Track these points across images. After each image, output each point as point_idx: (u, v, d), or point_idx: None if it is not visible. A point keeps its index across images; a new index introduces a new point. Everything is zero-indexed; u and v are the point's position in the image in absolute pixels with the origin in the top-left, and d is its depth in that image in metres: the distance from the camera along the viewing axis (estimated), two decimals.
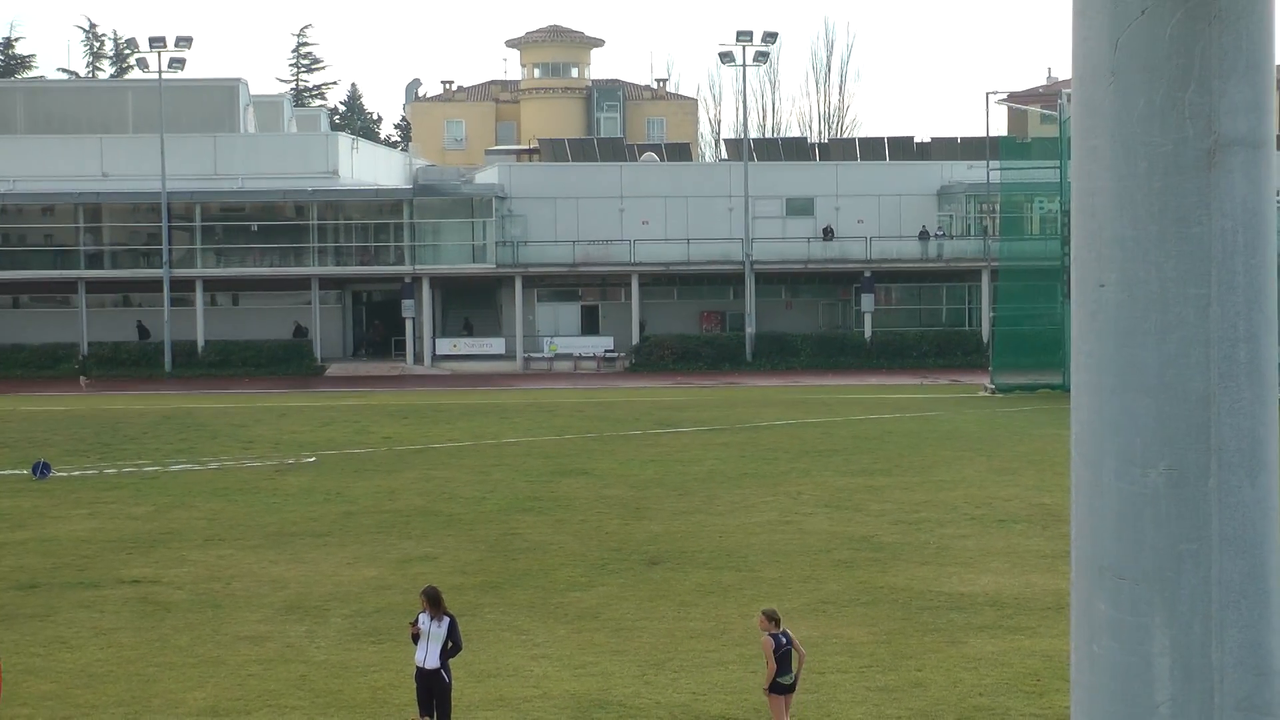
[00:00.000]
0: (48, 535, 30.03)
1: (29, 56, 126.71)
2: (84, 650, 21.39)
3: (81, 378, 65.08)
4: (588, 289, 76.05)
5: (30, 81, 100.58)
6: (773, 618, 17.27)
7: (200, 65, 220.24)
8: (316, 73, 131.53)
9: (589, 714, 18.35)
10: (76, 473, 38.62)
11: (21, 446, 43.77)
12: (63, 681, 19.87)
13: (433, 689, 17.00)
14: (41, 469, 37.73)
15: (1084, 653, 3.41)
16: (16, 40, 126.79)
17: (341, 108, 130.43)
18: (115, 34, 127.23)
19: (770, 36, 73.55)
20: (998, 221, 69.61)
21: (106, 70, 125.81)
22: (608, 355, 72.45)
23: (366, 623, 22.78)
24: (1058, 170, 58.82)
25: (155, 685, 19.65)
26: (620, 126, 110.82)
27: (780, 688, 16.95)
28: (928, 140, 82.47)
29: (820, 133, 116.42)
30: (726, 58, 73.77)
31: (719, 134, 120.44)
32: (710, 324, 75.64)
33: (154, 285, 71.26)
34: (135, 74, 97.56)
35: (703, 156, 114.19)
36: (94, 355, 70.63)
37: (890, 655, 20.63)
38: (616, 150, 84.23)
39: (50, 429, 48.30)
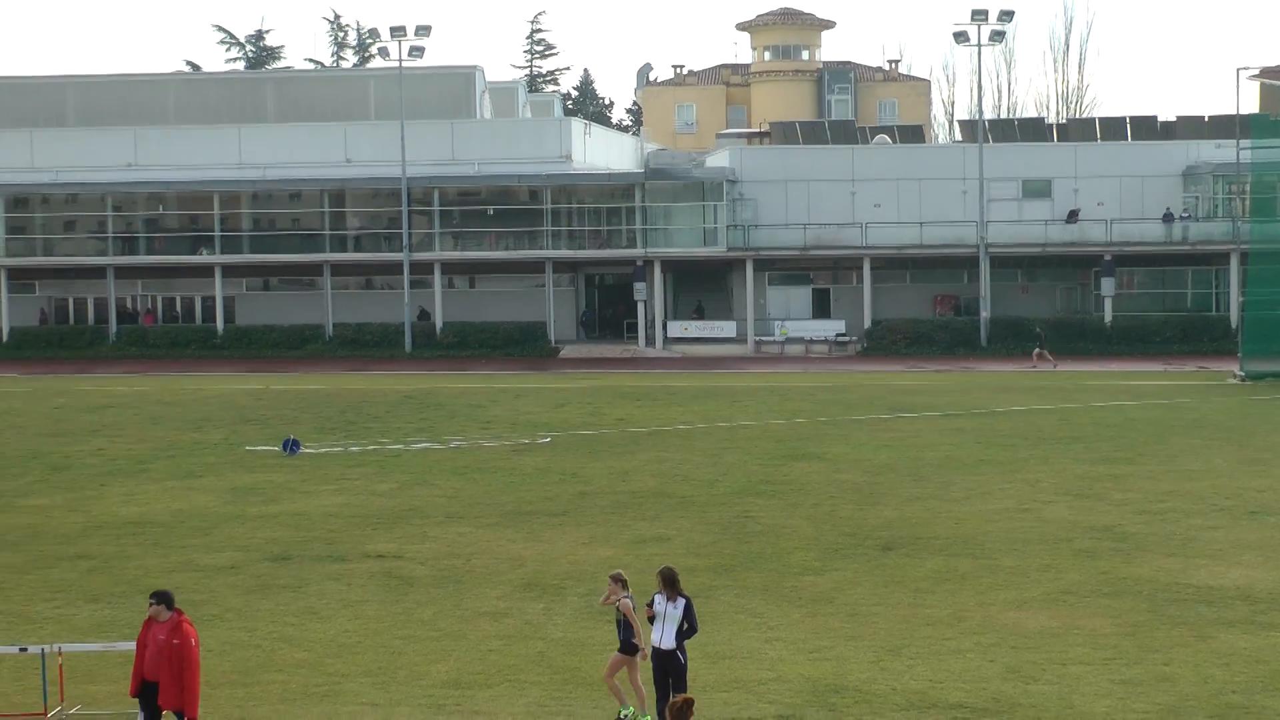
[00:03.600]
0: (298, 510, 31.01)
1: (278, 48, 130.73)
2: (333, 621, 22.04)
3: None
4: (819, 272, 75.66)
5: (279, 72, 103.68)
6: (621, 581, 17.76)
7: (438, 53, 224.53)
8: (550, 59, 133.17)
9: (824, 698, 18.31)
10: (324, 449, 39.75)
11: (273, 424, 45.22)
12: (315, 650, 20.51)
13: (668, 669, 17.12)
14: (291, 445, 38.96)
15: None
16: (267, 33, 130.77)
17: (574, 93, 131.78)
18: (358, 24, 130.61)
19: (1006, 15, 72.25)
20: (1248, 203, 67.36)
21: (350, 60, 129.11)
22: (839, 339, 72.07)
23: None
24: None
25: (401, 657, 20.17)
26: (852, 109, 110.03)
27: (636, 649, 17.58)
28: (1172, 119, 80.00)
29: (1058, 113, 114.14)
30: (961, 37, 72.70)
31: (953, 115, 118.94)
32: (944, 308, 74.70)
33: (394, 268, 73.01)
34: (377, 63, 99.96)
35: (936, 138, 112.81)
36: (338, 336, 72.62)
37: (1135, 648, 20.18)
38: (848, 133, 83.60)
39: (299, 407, 49.78)
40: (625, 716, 17.67)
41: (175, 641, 15.71)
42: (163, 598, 15.98)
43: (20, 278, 75.61)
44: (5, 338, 73.80)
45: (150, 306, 76.37)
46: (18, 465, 37.50)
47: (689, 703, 13.03)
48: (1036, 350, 65.03)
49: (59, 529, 29.18)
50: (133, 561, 26.19)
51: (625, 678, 17.87)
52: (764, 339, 72.32)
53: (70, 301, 76.90)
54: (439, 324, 72.58)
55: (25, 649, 18.92)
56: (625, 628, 17.64)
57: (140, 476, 35.55)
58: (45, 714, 17.54)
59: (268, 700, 18.44)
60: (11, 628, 21.71)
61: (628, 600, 17.68)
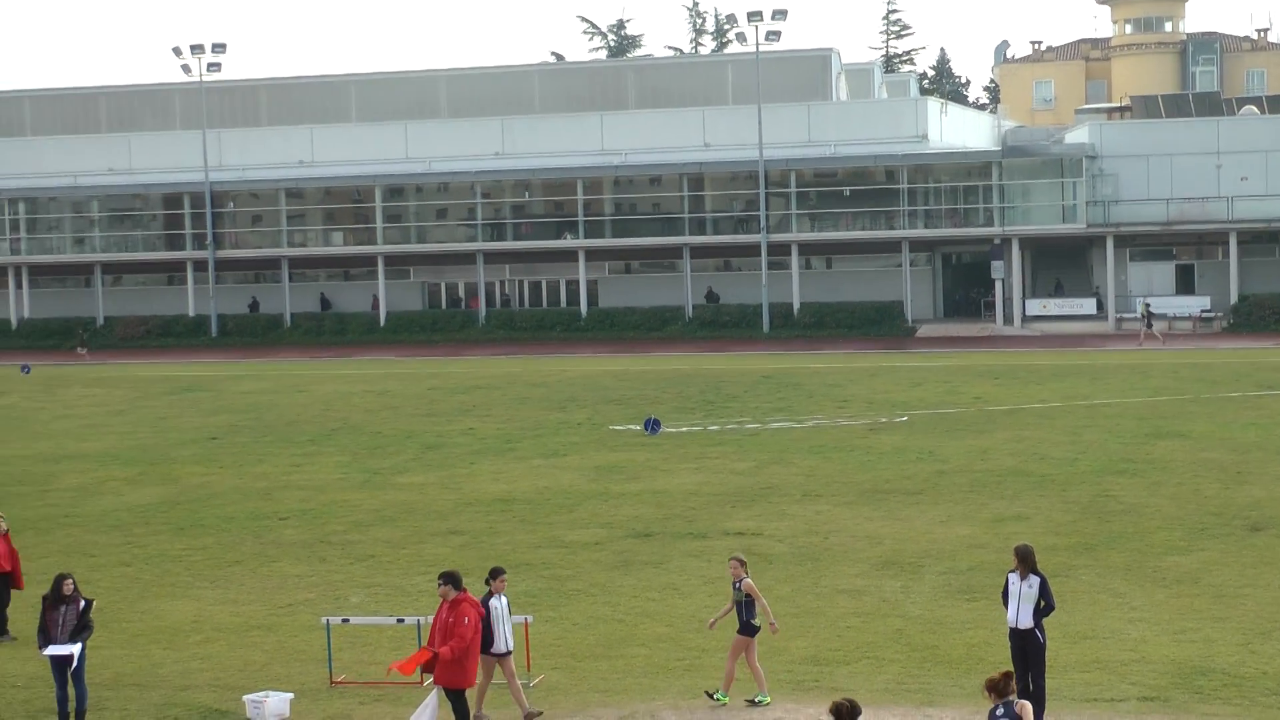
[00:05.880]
0: (659, 487, 31.89)
1: (638, 36, 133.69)
2: (694, 597, 22.69)
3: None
4: (1182, 248, 73.39)
5: (638, 60, 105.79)
6: (742, 562, 18.20)
7: (794, 37, 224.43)
8: (905, 39, 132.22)
9: (1190, 680, 18.06)
10: (684, 429, 40.65)
11: (635, 403, 46.42)
12: (676, 625, 21.19)
13: (1026, 648, 17.01)
14: (652, 425, 39.98)
15: None
16: (628, 22, 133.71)
17: (930, 72, 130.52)
18: (716, 10, 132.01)
19: None
20: None
21: (708, 45, 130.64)
22: (1204, 315, 69.79)
23: (960, 580, 23.13)
24: None
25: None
26: (1217, 80, 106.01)
27: (755, 629, 17.91)
28: None
29: None
30: None
31: None
32: None
33: (752, 250, 73.78)
34: (734, 48, 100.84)
35: None
36: (697, 317, 73.88)
37: None
38: (1213, 105, 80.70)
39: (660, 387, 50.89)
40: (718, 699, 17.84)
41: (450, 620, 16.44)
42: (449, 578, 16.66)
43: (396, 264, 79.20)
44: (383, 321, 77.47)
45: (477, 293, 78.46)
46: (394, 444, 39.49)
47: (1008, 675, 13.21)
48: (1144, 330, 63.61)
49: (432, 505, 30.69)
50: (501, 537, 27.40)
51: (744, 662, 18.07)
52: (1125, 316, 70.53)
53: (443, 286, 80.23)
54: (796, 304, 73.09)
55: (402, 620, 20.09)
56: (748, 608, 17.79)
57: (508, 455, 37.03)
58: (420, 683, 18.58)
59: (631, 673, 19.15)
60: (389, 599, 23.01)
61: (750, 580, 17.98)
